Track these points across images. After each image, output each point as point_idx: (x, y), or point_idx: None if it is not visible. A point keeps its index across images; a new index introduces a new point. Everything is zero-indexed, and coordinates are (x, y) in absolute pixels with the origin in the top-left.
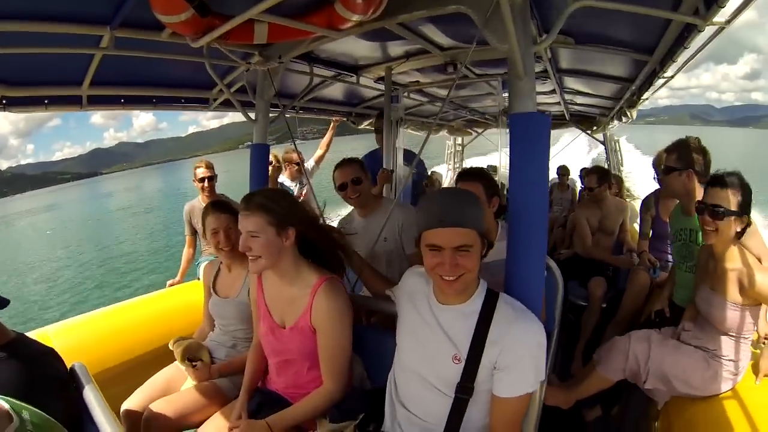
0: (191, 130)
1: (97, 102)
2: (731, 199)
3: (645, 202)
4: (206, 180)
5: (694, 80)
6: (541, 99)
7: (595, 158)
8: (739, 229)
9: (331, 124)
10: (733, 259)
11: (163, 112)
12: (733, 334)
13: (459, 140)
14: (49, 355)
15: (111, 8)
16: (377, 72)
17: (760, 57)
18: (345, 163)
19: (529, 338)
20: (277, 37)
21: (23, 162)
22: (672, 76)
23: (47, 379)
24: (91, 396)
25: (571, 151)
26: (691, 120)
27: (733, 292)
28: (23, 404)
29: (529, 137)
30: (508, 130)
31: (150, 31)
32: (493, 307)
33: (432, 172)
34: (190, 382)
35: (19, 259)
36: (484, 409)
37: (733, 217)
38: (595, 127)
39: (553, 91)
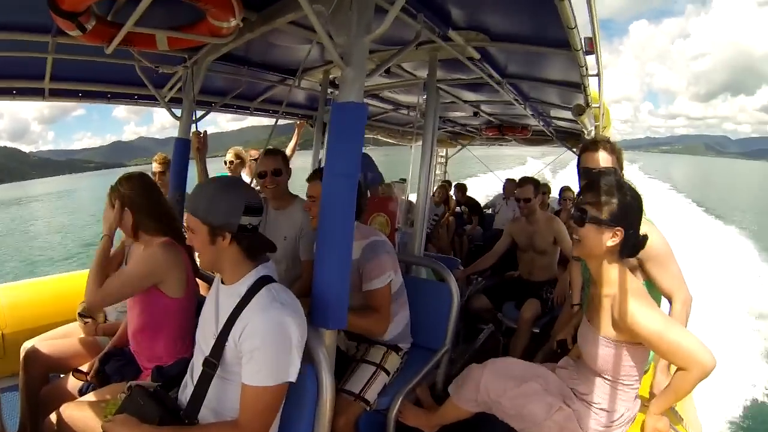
0: (210, 130)
1: (57, 94)
2: (601, 205)
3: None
4: (157, 174)
5: (711, 110)
6: (507, 110)
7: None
8: (611, 244)
9: (296, 129)
10: (609, 284)
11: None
12: (609, 378)
13: (442, 152)
14: None
15: (50, 18)
16: (318, 75)
17: None
18: (268, 153)
19: (271, 329)
20: (176, 44)
21: (44, 148)
22: (597, 74)
23: None
24: None
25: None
26: (705, 150)
27: (605, 324)
28: None
29: (345, 127)
30: (420, 143)
31: None
32: (255, 291)
33: (401, 179)
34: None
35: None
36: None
37: (603, 228)
38: (581, 144)
39: (510, 103)
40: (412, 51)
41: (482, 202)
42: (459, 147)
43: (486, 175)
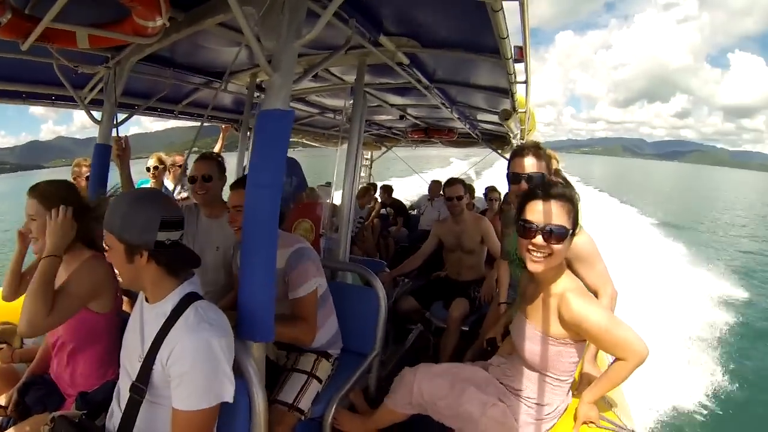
0: (134, 131)
1: None
2: (569, 217)
3: (507, 216)
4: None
5: (628, 115)
6: (433, 114)
7: None
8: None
9: (221, 134)
10: (555, 284)
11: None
12: (545, 373)
13: (367, 155)
14: None
15: None
16: (245, 79)
17: (690, 98)
18: (201, 158)
19: (200, 352)
20: (98, 43)
21: None
22: (525, 81)
23: None
24: None
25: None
26: (623, 152)
27: (545, 322)
28: None
29: (270, 134)
30: (345, 145)
31: None
32: (181, 311)
33: (327, 183)
34: None
35: None
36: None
37: (572, 238)
38: (506, 146)
39: (437, 107)
40: (341, 56)
41: (406, 203)
42: (384, 149)
43: (411, 177)
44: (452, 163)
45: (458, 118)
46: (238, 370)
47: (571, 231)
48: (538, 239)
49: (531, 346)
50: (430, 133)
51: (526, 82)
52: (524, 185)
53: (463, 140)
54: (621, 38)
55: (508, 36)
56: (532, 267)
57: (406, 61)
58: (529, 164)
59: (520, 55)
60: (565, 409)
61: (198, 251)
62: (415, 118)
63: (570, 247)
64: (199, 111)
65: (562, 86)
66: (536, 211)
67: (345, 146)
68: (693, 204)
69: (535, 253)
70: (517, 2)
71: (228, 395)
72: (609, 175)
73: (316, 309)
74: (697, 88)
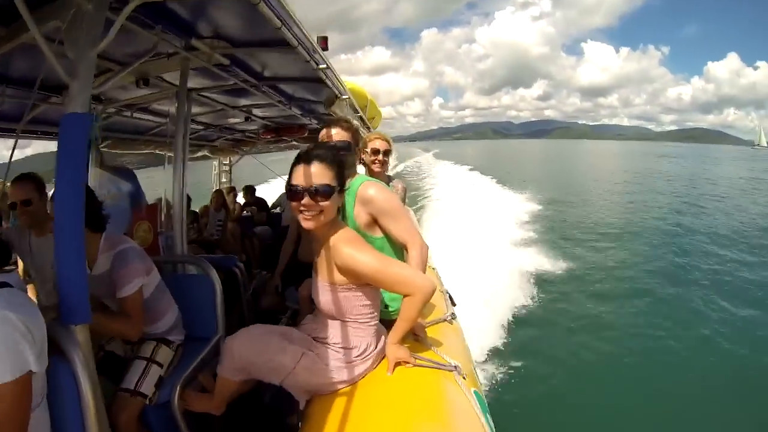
0: None
1: None
2: (334, 175)
3: None
4: None
5: (495, 101)
6: (281, 113)
7: (400, 171)
8: (339, 205)
9: None
10: (327, 237)
11: None
12: (343, 319)
13: (226, 160)
14: None
15: None
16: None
17: (551, 82)
18: (17, 180)
19: None
20: None
21: None
22: (327, 67)
23: None
24: None
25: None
26: (493, 134)
27: (329, 273)
28: None
29: (71, 137)
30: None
31: None
32: None
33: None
34: None
35: None
36: None
37: (340, 195)
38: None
39: (273, 105)
40: (164, 61)
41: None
42: (240, 155)
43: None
44: None
45: (301, 115)
46: (65, 358)
47: (338, 188)
48: (306, 200)
49: (322, 297)
50: (281, 132)
51: (329, 68)
52: None
53: (316, 136)
54: (483, 33)
55: (283, 26)
56: (306, 225)
57: (225, 62)
58: (334, 134)
59: (324, 44)
60: (383, 354)
61: (37, 270)
62: (263, 118)
63: (374, 204)
64: (46, 129)
65: (430, 79)
66: (300, 175)
67: (174, 151)
68: (561, 175)
69: (305, 212)
70: None
71: (31, 365)
72: (480, 156)
73: (140, 307)
74: (556, 73)
